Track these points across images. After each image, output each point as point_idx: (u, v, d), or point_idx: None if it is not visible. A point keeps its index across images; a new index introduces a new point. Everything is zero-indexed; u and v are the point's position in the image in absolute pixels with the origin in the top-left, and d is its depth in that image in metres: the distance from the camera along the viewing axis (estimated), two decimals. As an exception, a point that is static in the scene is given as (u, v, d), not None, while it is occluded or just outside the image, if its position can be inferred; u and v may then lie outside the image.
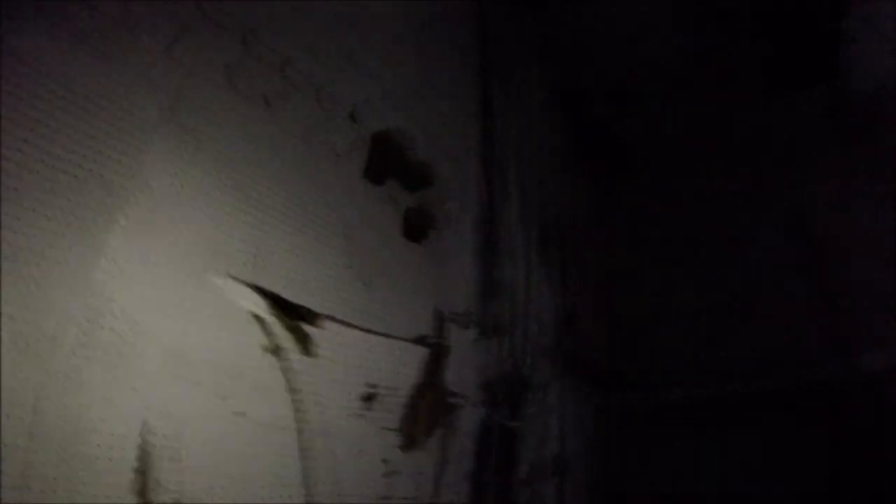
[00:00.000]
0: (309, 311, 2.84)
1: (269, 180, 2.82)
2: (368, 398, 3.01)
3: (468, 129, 4.35)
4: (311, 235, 2.97)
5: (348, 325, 3.00)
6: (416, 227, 3.58)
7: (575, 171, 5.95)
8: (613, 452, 5.14)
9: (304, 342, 2.78)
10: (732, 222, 5.59)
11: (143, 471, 2.15)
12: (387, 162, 3.50)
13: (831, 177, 5.21)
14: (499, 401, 3.85)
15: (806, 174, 5.33)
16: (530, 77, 5.38)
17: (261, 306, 2.64)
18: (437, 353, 3.47)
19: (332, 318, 2.93)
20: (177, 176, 2.44)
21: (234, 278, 2.57)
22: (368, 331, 3.09)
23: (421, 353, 3.37)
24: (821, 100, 5.40)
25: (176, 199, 2.42)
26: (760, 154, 5.67)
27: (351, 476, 2.91)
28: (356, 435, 2.96)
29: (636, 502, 5.03)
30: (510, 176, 4.57)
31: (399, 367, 3.23)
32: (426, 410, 3.31)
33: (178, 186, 2.44)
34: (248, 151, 2.75)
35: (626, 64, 5.86)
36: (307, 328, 2.82)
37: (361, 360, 3.04)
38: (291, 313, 2.76)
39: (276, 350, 2.62)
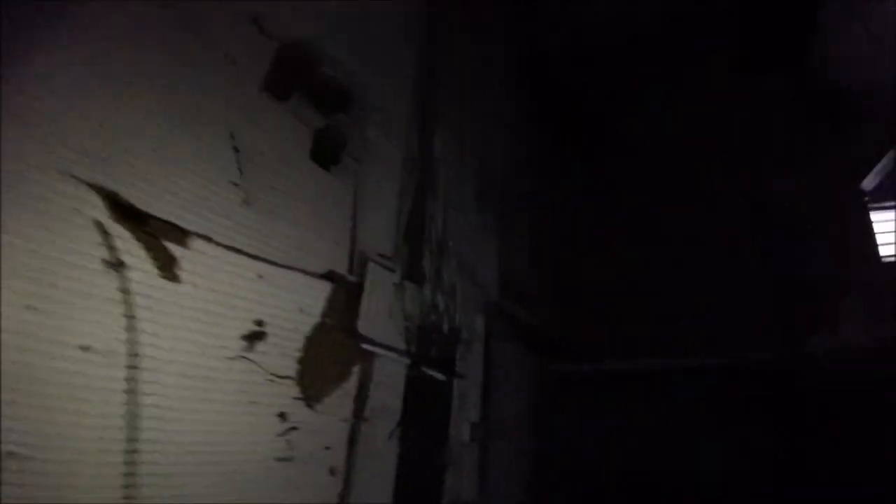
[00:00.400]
0: (174, 226, 2.29)
1: (142, 66, 2.28)
2: (253, 337, 2.46)
3: (405, 67, 3.84)
4: (188, 142, 2.42)
5: (229, 248, 2.45)
6: (327, 151, 3.04)
7: (535, 137, 5.51)
8: (554, 419, 4.72)
9: (163, 262, 2.23)
10: (696, 201, 5.35)
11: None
12: (295, 76, 2.97)
13: (796, 163, 5.03)
14: (426, 353, 3.30)
15: (768, 157, 5.15)
16: (490, 35, 4.92)
17: (104, 213, 2.08)
18: (349, 293, 2.93)
19: (206, 238, 2.38)
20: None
21: (75, 177, 2.02)
22: (256, 257, 2.54)
23: (327, 289, 2.83)
24: (788, 85, 5.21)
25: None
26: (726, 131, 5.45)
27: (235, 430, 2.36)
28: (239, 381, 2.40)
29: (574, 469, 4.62)
30: (452, 124, 4.06)
31: (296, 303, 2.68)
32: (331, 357, 2.76)
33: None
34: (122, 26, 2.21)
35: (595, 27, 5.45)
36: (171, 247, 2.26)
37: (245, 292, 2.49)
38: (149, 227, 2.20)
39: (118, 266, 2.05)
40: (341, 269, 2.97)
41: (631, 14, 5.13)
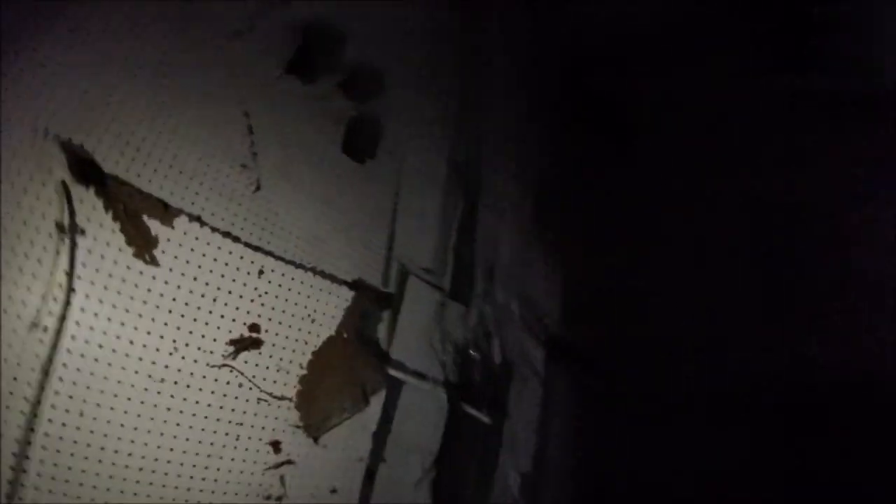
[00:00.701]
0: (158, 201, 1.89)
1: (144, 35, 1.98)
2: (244, 344, 2.00)
3: (442, 69, 3.36)
4: (192, 116, 2.07)
5: (225, 234, 2.03)
6: (362, 143, 2.62)
7: (574, 146, 4.91)
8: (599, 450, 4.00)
9: (139, 240, 1.83)
10: (696, 201, 4.83)
11: None
12: (321, 57, 2.59)
13: (807, 167, 4.53)
14: (471, 387, 2.75)
15: (773, 156, 4.70)
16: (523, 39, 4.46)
17: (74, 175, 1.72)
18: (376, 307, 2.44)
19: (197, 219, 1.97)
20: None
21: (51, 134, 1.68)
22: (259, 249, 2.11)
23: (347, 298, 2.35)
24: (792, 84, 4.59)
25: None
26: (738, 136, 4.88)
27: (211, 454, 1.89)
28: (221, 395, 1.94)
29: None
30: (500, 129, 3.53)
31: (306, 309, 2.21)
32: (346, 380, 2.26)
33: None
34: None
35: (624, 30, 5.00)
36: (151, 224, 1.87)
37: (240, 289, 2.05)
38: (126, 198, 1.82)
39: (72, 231, 1.65)
40: (373, 279, 2.49)
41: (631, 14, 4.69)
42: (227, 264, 2.04)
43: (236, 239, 2.07)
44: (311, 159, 2.44)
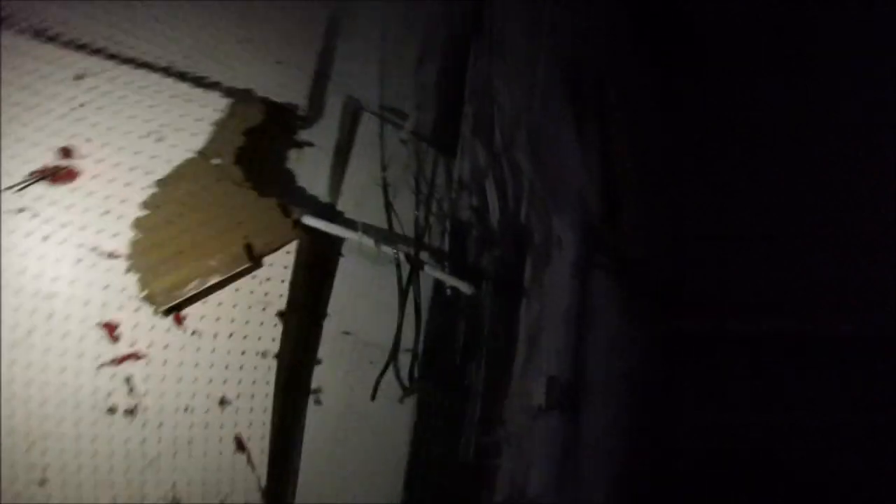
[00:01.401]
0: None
1: None
2: (46, 174, 1.32)
3: None
4: None
5: (32, 35, 1.38)
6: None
7: (635, 48, 3.94)
8: (661, 386, 3.51)
9: None
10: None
11: None
12: None
13: None
14: (462, 256, 1.96)
15: None
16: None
17: None
18: (276, 124, 1.68)
19: None
20: None
21: None
22: (80, 47, 1.42)
23: (218, 107, 1.60)
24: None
25: None
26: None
27: (16, 346, 1.27)
28: (14, 255, 1.28)
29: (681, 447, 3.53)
30: None
31: (147, 123, 1.49)
32: (211, 221, 1.51)
33: None
34: None
35: None
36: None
37: (45, 101, 1.38)
38: None
39: None
40: (283, 97, 1.74)
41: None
42: (31, 73, 1.37)
43: (49, 39, 1.40)
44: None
